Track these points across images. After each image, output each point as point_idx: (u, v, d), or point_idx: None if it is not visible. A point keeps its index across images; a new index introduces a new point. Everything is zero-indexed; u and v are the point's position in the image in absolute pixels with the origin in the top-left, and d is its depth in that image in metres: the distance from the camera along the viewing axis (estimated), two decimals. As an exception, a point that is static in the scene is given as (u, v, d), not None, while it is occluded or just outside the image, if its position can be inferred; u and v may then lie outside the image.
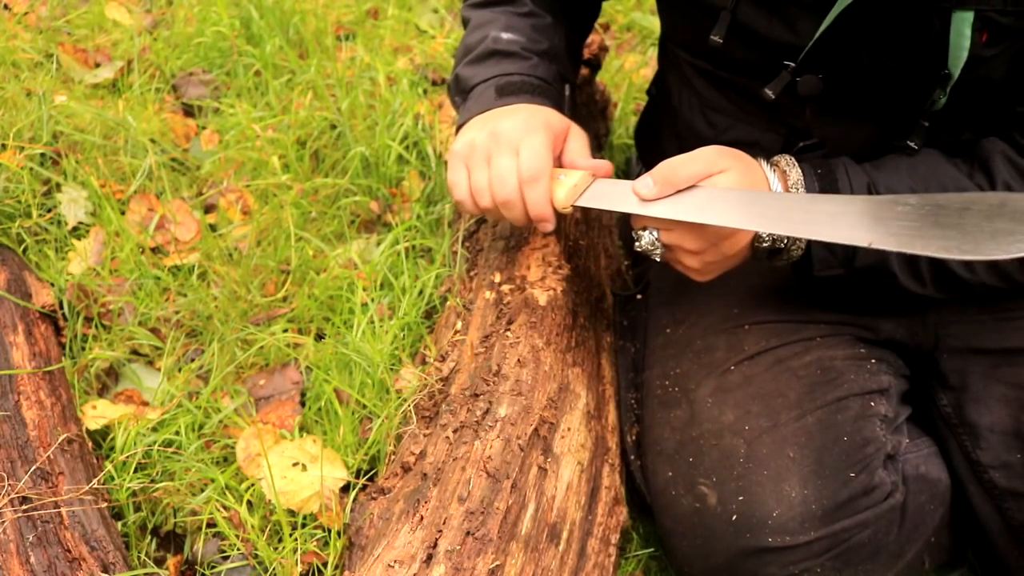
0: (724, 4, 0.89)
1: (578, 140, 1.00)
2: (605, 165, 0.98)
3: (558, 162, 1.00)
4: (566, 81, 1.11)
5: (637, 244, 0.93)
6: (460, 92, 1.07)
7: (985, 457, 0.95)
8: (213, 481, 1.00)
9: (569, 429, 0.94)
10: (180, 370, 1.16)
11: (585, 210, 1.27)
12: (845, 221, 0.78)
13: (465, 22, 1.16)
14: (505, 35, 1.07)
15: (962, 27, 0.80)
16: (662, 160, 1.21)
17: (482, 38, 1.07)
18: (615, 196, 0.93)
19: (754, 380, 0.97)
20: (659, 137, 1.21)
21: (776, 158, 0.93)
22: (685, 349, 1.04)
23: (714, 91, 1.03)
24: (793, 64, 0.88)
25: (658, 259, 0.93)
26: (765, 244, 0.90)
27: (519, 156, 0.93)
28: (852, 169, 0.91)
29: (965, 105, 0.89)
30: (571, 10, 1.17)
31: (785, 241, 0.90)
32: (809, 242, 0.90)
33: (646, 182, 0.88)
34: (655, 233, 0.91)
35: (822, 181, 0.90)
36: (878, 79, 0.89)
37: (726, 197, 0.85)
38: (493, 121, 0.97)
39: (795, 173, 0.90)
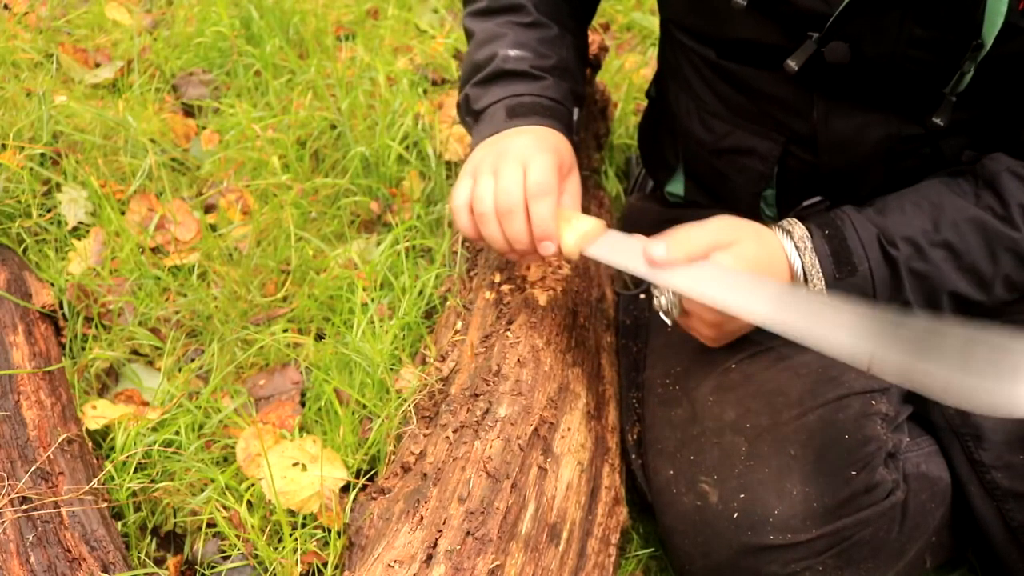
0: None
1: (572, 194, 0.98)
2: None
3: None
4: (576, 96, 1.09)
5: (656, 303, 0.91)
6: (471, 113, 1.07)
7: (987, 457, 0.94)
8: (213, 481, 1.00)
9: (569, 429, 0.94)
10: (180, 370, 1.15)
11: (585, 208, 1.27)
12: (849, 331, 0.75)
13: (468, 34, 1.13)
14: (513, 52, 1.05)
15: None
16: (662, 162, 1.22)
17: (490, 56, 1.06)
18: (627, 253, 0.89)
19: (755, 378, 0.97)
20: (658, 140, 1.21)
21: (787, 225, 0.92)
22: (686, 347, 1.04)
23: (712, 94, 1.03)
24: (817, 34, 0.86)
25: (669, 324, 0.93)
26: None
27: (527, 171, 0.91)
28: (858, 221, 0.90)
29: (989, 89, 0.86)
30: (576, 10, 1.15)
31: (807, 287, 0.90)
32: (828, 284, 0.89)
33: (658, 246, 0.86)
34: (676, 295, 0.89)
35: (831, 243, 0.89)
36: (905, 51, 0.86)
37: (741, 280, 0.82)
38: (502, 141, 0.96)
39: (808, 253, 0.90)
